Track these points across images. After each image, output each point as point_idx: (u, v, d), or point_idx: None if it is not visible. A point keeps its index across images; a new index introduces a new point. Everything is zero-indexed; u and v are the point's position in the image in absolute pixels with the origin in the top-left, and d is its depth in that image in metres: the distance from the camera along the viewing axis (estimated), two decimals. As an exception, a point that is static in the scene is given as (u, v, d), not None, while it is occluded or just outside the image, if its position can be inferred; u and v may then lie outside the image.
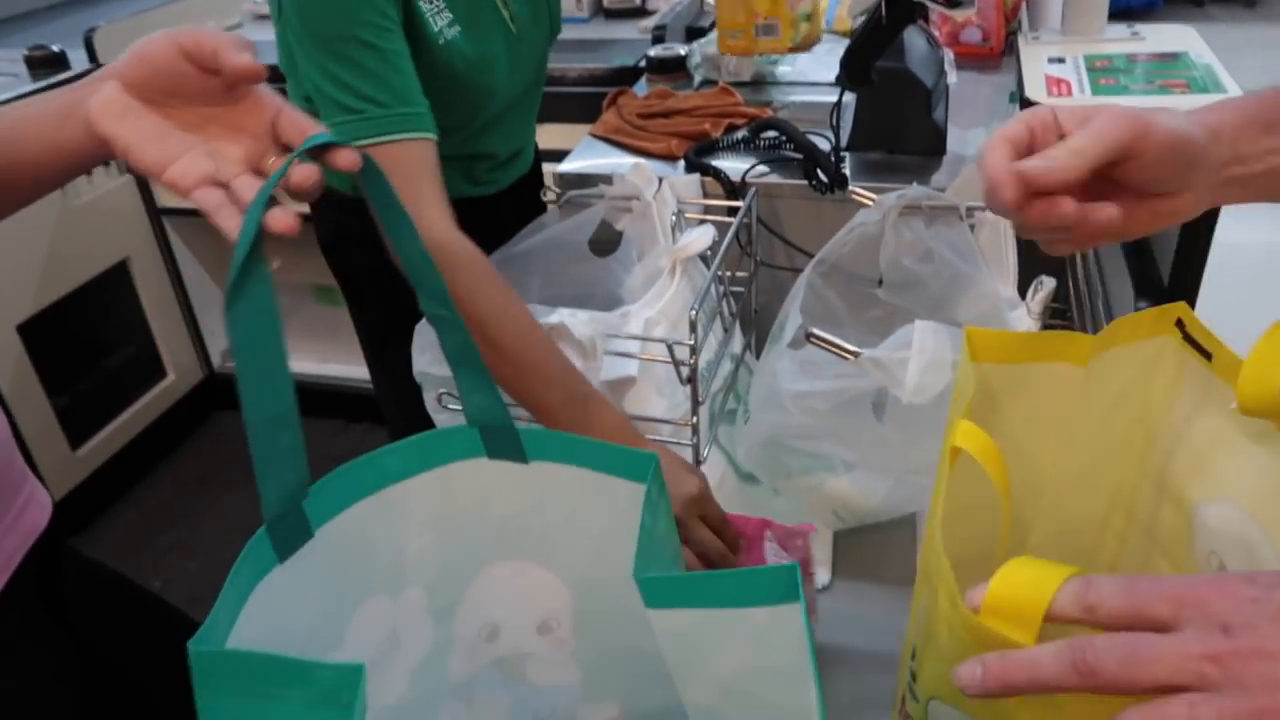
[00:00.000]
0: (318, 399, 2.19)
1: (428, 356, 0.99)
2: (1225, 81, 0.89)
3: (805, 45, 1.46)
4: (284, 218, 0.48)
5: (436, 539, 0.57)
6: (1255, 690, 0.32)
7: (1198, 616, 0.33)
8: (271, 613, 0.48)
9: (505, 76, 1.11)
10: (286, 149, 0.54)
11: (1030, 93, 0.89)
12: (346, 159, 0.50)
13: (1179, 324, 0.59)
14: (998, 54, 1.48)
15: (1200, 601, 0.33)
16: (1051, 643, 0.35)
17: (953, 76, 1.34)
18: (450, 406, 0.97)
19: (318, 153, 0.50)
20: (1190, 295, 0.73)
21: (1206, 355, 0.57)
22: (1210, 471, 0.59)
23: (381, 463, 0.54)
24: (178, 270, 2.28)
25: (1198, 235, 0.69)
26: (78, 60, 2.08)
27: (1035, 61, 0.94)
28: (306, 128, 0.53)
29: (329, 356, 2.29)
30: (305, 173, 0.50)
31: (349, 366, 2.28)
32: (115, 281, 2.17)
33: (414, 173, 0.91)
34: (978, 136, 1.23)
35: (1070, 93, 0.87)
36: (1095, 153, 0.50)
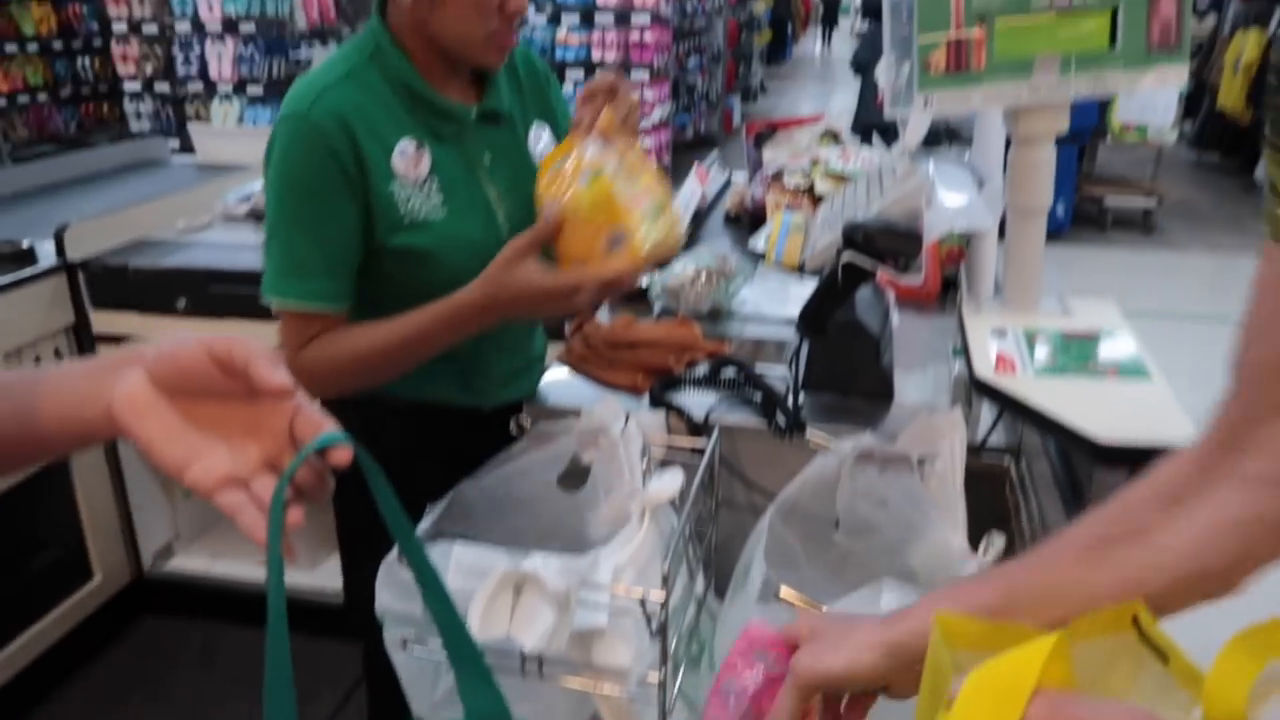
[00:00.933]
0: (248, 604, 2.12)
1: (391, 593, 0.99)
2: (1149, 367, 0.99)
3: (668, 247, 1.16)
4: (294, 514, 0.51)
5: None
6: None
7: None
8: None
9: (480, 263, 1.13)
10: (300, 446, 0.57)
11: (979, 369, 0.97)
12: (341, 456, 0.54)
13: (1135, 621, 0.63)
14: (934, 296, 1.61)
15: None
16: None
17: (895, 319, 1.44)
18: (415, 654, 0.96)
19: (323, 451, 0.54)
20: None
21: (1164, 658, 0.61)
22: None
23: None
24: (119, 466, 2.23)
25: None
26: (45, 254, 2.10)
27: (979, 332, 1.03)
28: (323, 426, 0.56)
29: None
30: (315, 474, 0.53)
31: (292, 573, 2.22)
32: (53, 473, 2.11)
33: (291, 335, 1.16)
34: (923, 380, 1.31)
35: (1014, 370, 0.96)
36: None
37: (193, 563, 2.32)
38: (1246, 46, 6.71)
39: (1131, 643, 0.64)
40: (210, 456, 0.54)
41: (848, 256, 1.18)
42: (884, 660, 0.64)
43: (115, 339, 2.13)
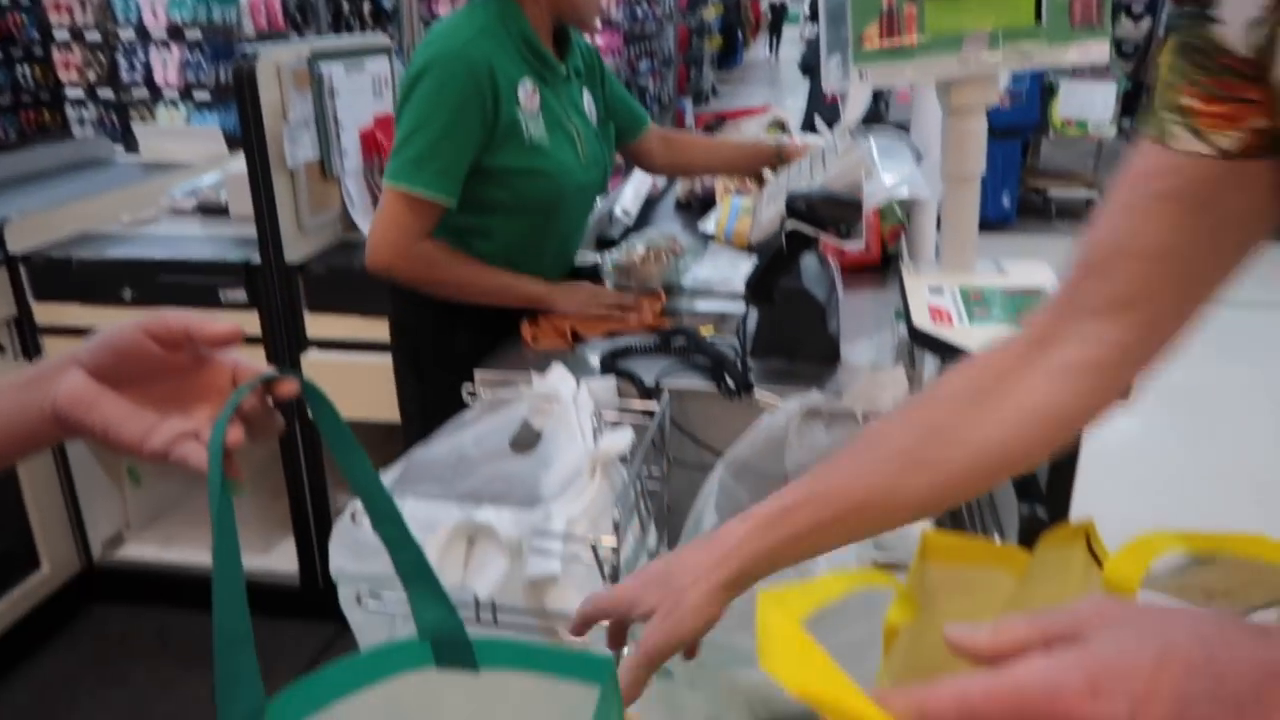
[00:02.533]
0: (204, 589, 2.09)
1: (345, 554, 0.99)
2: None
3: None
4: (234, 432, 0.52)
5: (382, 753, 0.58)
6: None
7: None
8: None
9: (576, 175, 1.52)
10: None
11: (916, 319, 1.00)
12: (286, 388, 0.55)
13: (1086, 539, 0.67)
14: (876, 259, 1.65)
15: None
16: None
17: (841, 290, 1.48)
18: (370, 608, 0.97)
19: (270, 389, 0.55)
20: (1065, 498, 0.81)
21: (1099, 563, 0.65)
22: None
23: (331, 677, 0.56)
24: (65, 457, 2.20)
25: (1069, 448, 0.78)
26: (-15, 248, 2.07)
27: (918, 291, 1.07)
28: (263, 371, 0.57)
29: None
30: (261, 405, 0.54)
31: (248, 555, 2.20)
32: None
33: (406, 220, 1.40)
34: (868, 345, 1.35)
35: (951, 322, 0.99)
36: None
37: (144, 551, 2.29)
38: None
39: (1082, 556, 0.68)
40: (166, 424, 0.54)
41: (791, 225, 1.21)
42: (729, 596, 0.66)
43: (61, 331, 2.10)
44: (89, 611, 2.32)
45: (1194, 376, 3.27)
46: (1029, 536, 0.75)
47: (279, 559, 2.23)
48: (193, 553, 2.25)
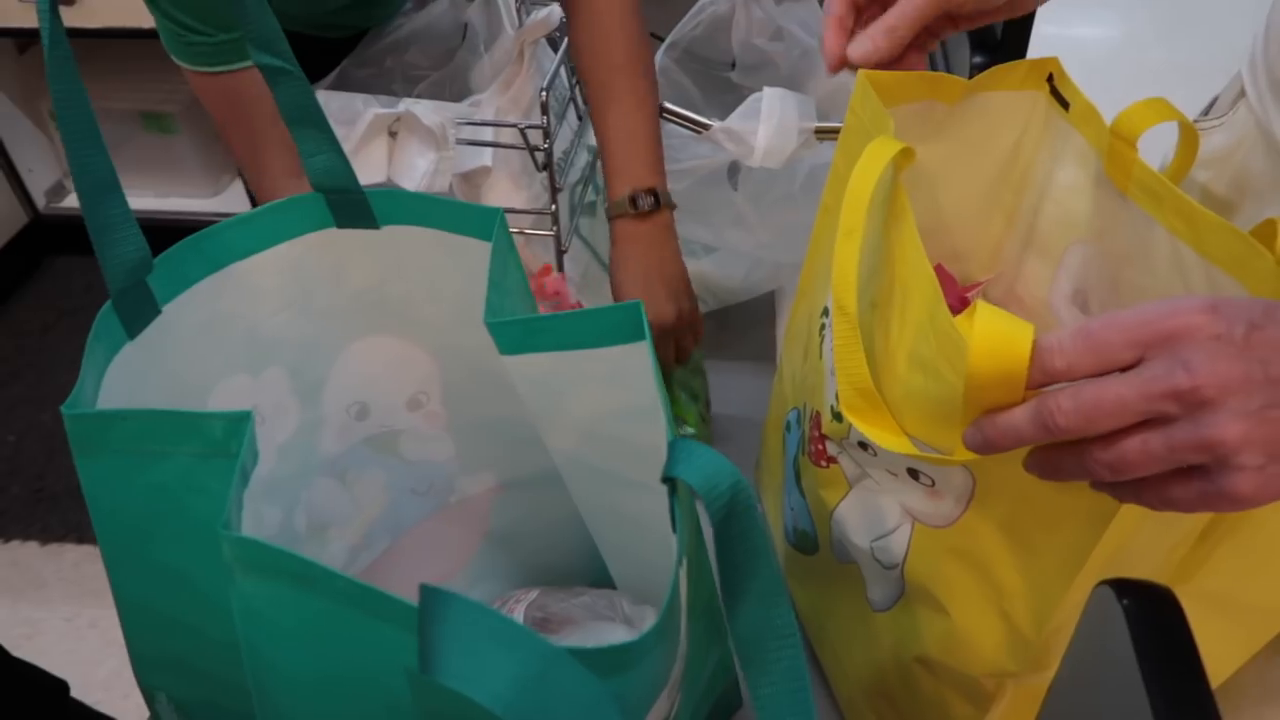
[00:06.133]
0: (159, 236, 2.06)
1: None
2: None
3: None
4: None
5: (294, 316, 0.57)
6: (1205, 422, 0.33)
7: (1159, 353, 0.34)
8: (127, 390, 0.47)
9: None
10: None
11: None
12: None
13: (1049, 79, 0.62)
14: None
15: (1164, 337, 0.34)
16: (1023, 407, 0.36)
17: None
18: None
19: None
20: (1021, 50, 0.75)
21: (1065, 105, 0.60)
22: (1071, 218, 0.64)
23: (225, 237, 0.52)
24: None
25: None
26: None
27: None
28: None
29: (169, 189, 2.15)
30: None
31: (193, 200, 2.16)
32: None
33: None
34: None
35: None
36: (907, 27, 0.54)
37: (89, 201, 2.24)
38: None
39: (1043, 101, 0.63)
40: None
41: None
42: None
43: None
44: (50, 264, 2.30)
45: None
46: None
47: (230, 201, 2.18)
48: (142, 199, 2.18)
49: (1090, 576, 0.44)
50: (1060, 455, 0.37)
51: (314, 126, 0.51)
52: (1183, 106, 0.56)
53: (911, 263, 0.44)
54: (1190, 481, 0.35)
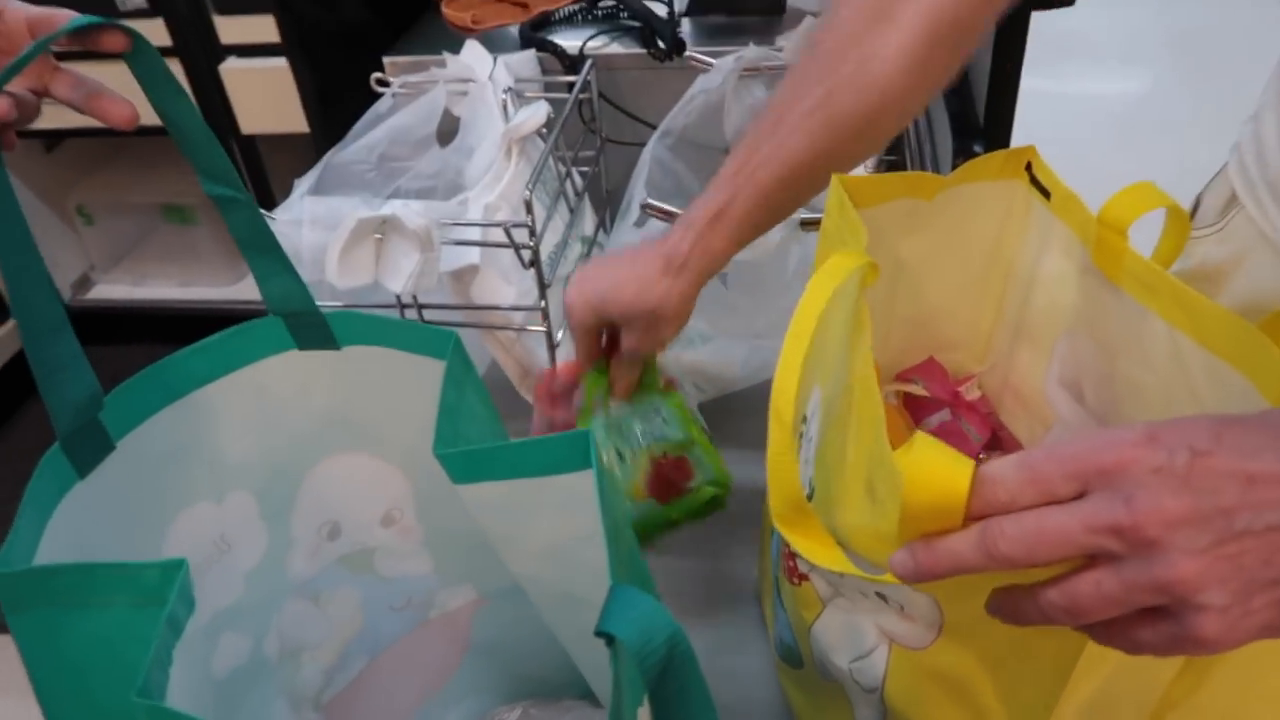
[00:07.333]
0: (183, 325, 2.10)
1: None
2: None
3: None
4: (2, 103, 0.46)
5: (259, 440, 0.56)
6: (1156, 560, 0.32)
7: (1100, 488, 0.33)
8: (78, 530, 0.46)
9: None
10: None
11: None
12: (114, 41, 0.46)
13: (1028, 167, 0.61)
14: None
15: (1102, 473, 0.33)
16: (966, 532, 0.35)
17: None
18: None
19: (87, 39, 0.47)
20: (1004, 135, 0.74)
21: (1045, 194, 0.59)
22: (1059, 307, 0.62)
23: (183, 366, 0.52)
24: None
25: (1006, 81, 0.70)
26: None
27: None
28: (58, 18, 0.49)
29: (190, 279, 2.18)
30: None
31: (212, 289, 2.19)
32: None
33: None
34: (818, -5, 1.22)
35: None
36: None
37: (114, 291, 2.26)
38: None
39: (1022, 190, 0.63)
40: None
41: None
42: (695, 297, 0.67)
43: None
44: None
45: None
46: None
47: (250, 288, 2.20)
48: (165, 289, 2.22)
49: (1074, 700, 0.41)
50: (1016, 599, 0.35)
51: (268, 252, 0.50)
52: (1204, 161, 0.54)
53: (864, 385, 0.42)
54: (1157, 624, 0.33)
